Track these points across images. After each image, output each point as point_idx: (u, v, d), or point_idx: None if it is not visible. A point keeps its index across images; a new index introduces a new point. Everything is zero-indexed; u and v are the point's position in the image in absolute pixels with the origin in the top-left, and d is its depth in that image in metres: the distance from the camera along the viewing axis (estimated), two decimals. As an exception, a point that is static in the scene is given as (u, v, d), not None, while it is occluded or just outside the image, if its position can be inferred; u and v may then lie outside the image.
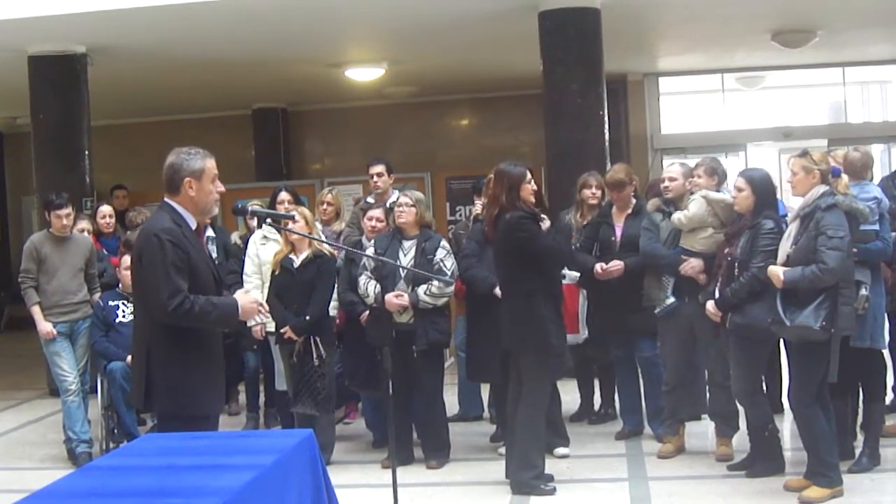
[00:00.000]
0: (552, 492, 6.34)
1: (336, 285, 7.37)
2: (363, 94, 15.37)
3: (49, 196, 8.05)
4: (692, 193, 6.89)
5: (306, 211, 7.47)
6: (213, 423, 4.79)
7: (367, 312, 7.23)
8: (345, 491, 5.13)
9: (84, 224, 8.75)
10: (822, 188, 5.88)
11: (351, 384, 7.56)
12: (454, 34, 11.41)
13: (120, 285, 7.99)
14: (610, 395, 8.16)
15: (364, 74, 13.50)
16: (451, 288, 7.08)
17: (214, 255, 8.38)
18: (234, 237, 8.88)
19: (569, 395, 8.11)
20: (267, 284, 7.45)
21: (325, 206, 8.37)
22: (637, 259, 7.20)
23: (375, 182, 8.38)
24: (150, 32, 10.45)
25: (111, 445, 7.68)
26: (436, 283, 6.87)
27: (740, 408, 6.65)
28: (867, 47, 14.29)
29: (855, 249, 5.97)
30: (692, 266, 6.76)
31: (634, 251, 7.21)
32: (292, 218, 7.02)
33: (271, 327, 7.51)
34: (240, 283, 7.67)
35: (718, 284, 6.38)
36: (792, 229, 5.96)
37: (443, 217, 13.83)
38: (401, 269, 6.95)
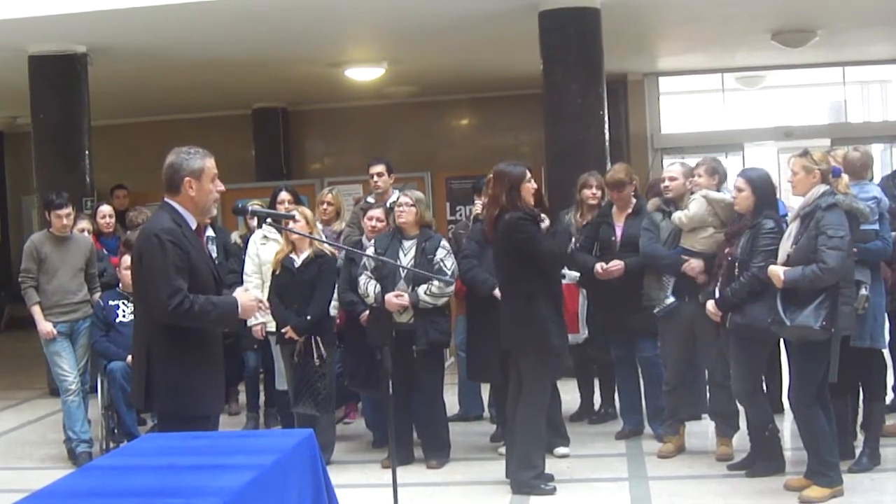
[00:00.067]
0: (552, 491, 6.34)
1: (336, 285, 7.36)
2: (363, 94, 15.37)
3: (49, 196, 8.05)
4: (692, 193, 6.89)
5: (307, 211, 7.47)
6: (214, 423, 4.79)
7: (368, 312, 7.23)
8: (345, 491, 5.13)
9: (84, 224, 8.75)
10: (823, 188, 5.88)
11: (351, 384, 7.56)
12: (454, 34, 11.41)
13: (120, 285, 7.99)
14: (610, 395, 8.16)
15: (364, 74, 13.50)
16: (452, 288, 7.08)
17: (214, 254, 8.38)
18: (235, 237, 8.88)
19: (569, 395, 8.11)
20: (267, 284, 7.46)
21: (325, 206, 8.37)
22: (637, 259, 7.19)
23: (375, 182, 8.38)
24: (150, 32, 10.45)
25: (111, 445, 7.68)
26: (436, 282, 6.87)
27: (740, 407, 6.65)
28: (867, 47, 14.29)
29: (855, 249, 5.96)
30: (692, 266, 6.76)
31: (635, 251, 7.21)
32: (292, 217, 7.02)
33: (272, 327, 7.51)
34: (240, 283, 7.64)
35: (719, 284, 6.38)
36: (792, 229, 5.96)
37: (443, 217, 13.84)
38: (401, 269, 6.95)
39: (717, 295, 6.36)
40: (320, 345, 7.05)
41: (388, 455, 6.45)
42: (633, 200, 7.52)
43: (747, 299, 6.16)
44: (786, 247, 5.93)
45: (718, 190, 6.82)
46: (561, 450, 7.16)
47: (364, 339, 7.23)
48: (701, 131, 16.38)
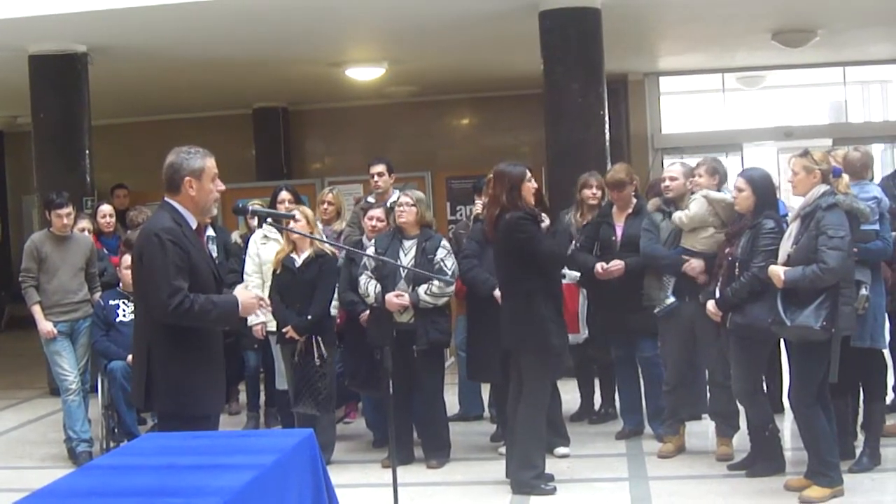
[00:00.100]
0: (552, 491, 6.34)
1: (336, 285, 7.36)
2: (364, 94, 15.37)
3: (50, 195, 8.05)
4: (693, 193, 6.89)
5: (308, 210, 7.47)
6: (214, 423, 4.80)
7: (368, 312, 7.23)
8: (345, 490, 5.13)
9: (84, 223, 8.75)
10: (823, 188, 5.88)
11: (351, 384, 7.56)
12: (455, 34, 11.41)
13: (120, 284, 7.99)
14: (610, 395, 8.16)
15: (364, 74, 13.50)
16: (452, 288, 7.08)
17: (215, 254, 8.38)
18: (235, 236, 8.88)
19: (569, 395, 8.11)
20: (268, 284, 7.46)
21: (325, 206, 8.36)
22: (637, 259, 7.19)
23: (376, 181, 8.38)
24: (150, 32, 10.45)
25: (111, 445, 7.68)
26: (436, 282, 6.87)
27: (741, 407, 6.65)
28: (868, 47, 14.29)
29: (855, 249, 5.96)
30: (693, 266, 6.76)
31: (635, 251, 7.21)
32: (293, 217, 7.02)
33: (272, 327, 7.51)
34: (240, 283, 7.65)
35: (719, 284, 6.38)
36: (792, 229, 5.96)
37: (443, 217, 13.84)
38: (401, 269, 6.95)
39: (717, 295, 6.36)
40: (321, 344, 7.05)
41: (389, 455, 6.45)
42: (634, 200, 7.51)
43: (748, 299, 6.16)
44: (786, 247, 5.93)
45: (719, 190, 6.82)
46: (561, 450, 7.16)
47: (364, 339, 7.23)
48: (701, 131, 16.38)
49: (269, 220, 6.25)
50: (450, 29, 11.14)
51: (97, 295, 8.04)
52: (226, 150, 10.69)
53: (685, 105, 17.42)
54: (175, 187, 4.67)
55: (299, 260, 7.20)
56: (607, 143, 10.26)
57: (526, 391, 6.34)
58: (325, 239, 7.53)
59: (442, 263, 7.02)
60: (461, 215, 13.73)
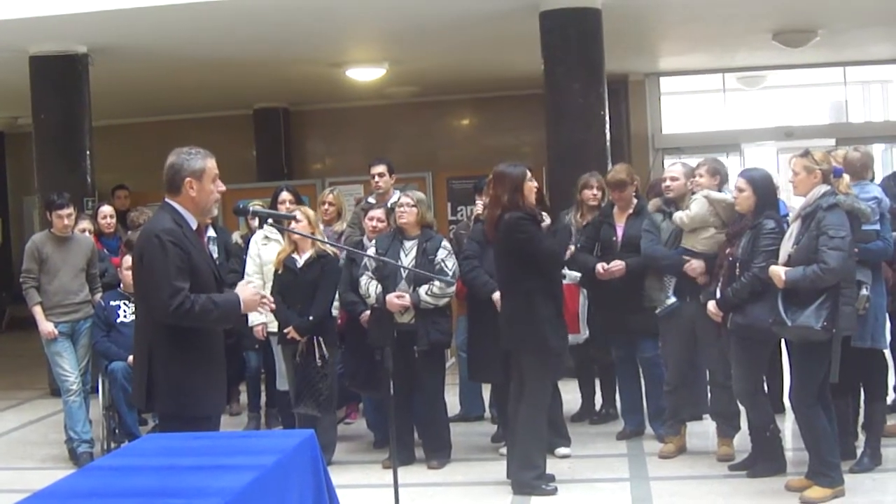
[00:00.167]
0: (553, 492, 6.34)
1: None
2: (364, 94, 15.37)
3: (50, 196, 8.05)
4: (693, 193, 6.89)
5: (309, 211, 7.46)
6: (215, 424, 4.80)
7: (369, 313, 7.23)
8: (346, 491, 5.13)
9: (85, 224, 8.75)
10: (824, 188, 5.88)
11: (351, 385, 7.56)
12: (455, 34, 11.42)
13: (121, 285, 7.99)
14: (611, 395, 8.16)
15: (365, 74, 13.50)
16: (453, 288, 7.08)
17: (215, 255, 8.38)
18: (236, 237, 8.88)
19: (570, 395, 8.11)
20: (269, 284, 7.45)
21: (326, 206, 8.36)
22: (638, 259, 7.19)
23: (377, 182, 8.38)
24: (151, 32, 10.46)
25: (112, 445, 7.68)
26: (437, 283, 6.87)
27: (742, 408, 6.65)
28: (868, 47, 14.29)
29: (855, 249, 5.96)
30: (693, 267, 6.76)
31: (636, 251, 7.21)
32: (294, 218, 7.02)
33: (273, 327, 7.51)
34: (241, 283, 7.66)
35: (720, 285, 6.38)
36: (793, 229, 5.96)
37: (444, 217, 13.82)
38: (402, 270, 6.95)
39: (718, 295, 6.36)
40: (322, 345, 7.05)
41: (390, 455, 6.46)
42: (635, 201, 7.52)
43: (748, 300, 6.16)
44: (787, 247, 5.93)
45: (720, 190, 6.81)
46: (562, 450, 7.16)
47: (365, 340, 7.23)
48: (702, 131, 16.38)
49: (269, 220, 6.25)
50: (450, 29, 11.14)
51: (98, 296, 8.04)
52: (226, 151, 10.66)
53: (686, 105, 17.42)
54: (175, 188, 4.67)
55: (301, 260, 7.20)
56: (608, 144, 10.26)
57: (527, 391, 6.34)
58: (325, 240, 7.52)
59: (443, 264, 7.02)
60: (462, 216, 13.71)
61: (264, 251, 7.80)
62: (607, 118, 10.27)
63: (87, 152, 11.05)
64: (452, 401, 8.07)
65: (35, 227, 11.39)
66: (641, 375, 7.60)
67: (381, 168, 8.38)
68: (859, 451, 6.46)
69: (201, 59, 12.04)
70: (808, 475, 5.96)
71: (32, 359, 11.32)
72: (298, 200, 8.14)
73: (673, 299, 6.95)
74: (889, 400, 7.31)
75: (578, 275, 7.55)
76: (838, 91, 16.57)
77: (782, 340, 6.77)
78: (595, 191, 7.86)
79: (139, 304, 4.81)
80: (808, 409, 5.88)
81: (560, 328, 6.42)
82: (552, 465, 6.63)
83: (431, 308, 6.99)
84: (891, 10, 11.21)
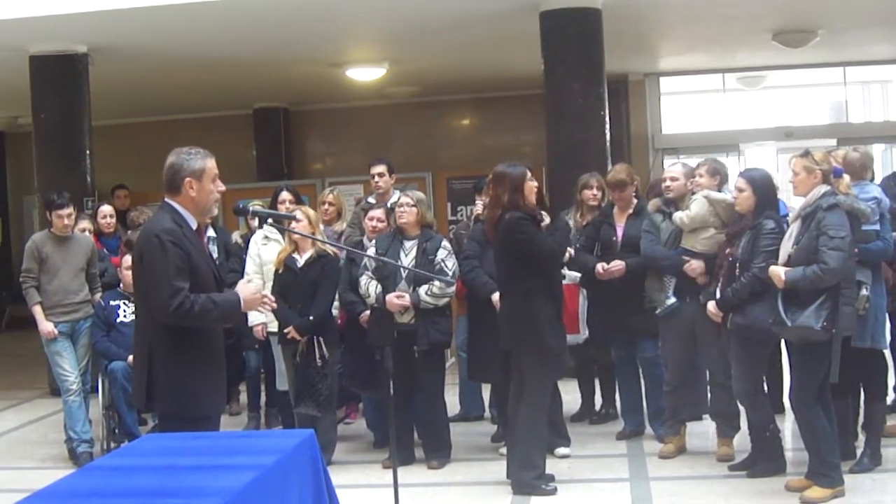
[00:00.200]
0: (553, 492, 6.34)
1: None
2: (364, 94, 15.38)
3: (50, 196, 8.05)
4: (693, 193, 6.88)
5: (310, 210, 7.46)
6: (215, 424, 4.79)
7: (368, 312, 7.23)
8: (346, 491, 5.13)
9: (85, 224, 8.76)
10: (824, 188, 5.88)
11: (350, 384, 7.56)
12: (455, 34, 11.42)
13: (121, 285, 7.98)
14: (611, 396, 8.16)
15: (365, 74, 13.51)
16: (453, 288, 7.08)
17: (215, 255, 8.38)
18: (236, 237, 8.88)
19: (570, 395, 8.11)
20: (269, 284, 7.45)
21: (326, 206, 8.37)
22: (638, 259, 7.19)
23: (377, 182, 8.38)
24: (151, 32, 10.46)
25: (112, 445, 7.68)
26: (437, 283, 6.87)
27: (741, 408, 6.65)
28: (868, 47, 14.29)
29: (855, 249, 5.96)
30: (693, 267, 6.76)
31: (636, 251, 7.21)
32: (294, 218, 7.02)
33: (273, 327, 7.51)
34: (241, 284, 7.65)
35: (719, 285, 6.38)
36: (793, 229, 5.96)
37: (444, 217, 13.83)
38: (402, 270, 6.94)
39: (718, 295, 6.36)
40: (322, 345, 7.05)
41: (389, 455, 6.46)
42: (635, 201, 7.52)
43: (748, 300, 6.16)
44: (787, 247, 5.93)
45: (719, 190, 6.81)
46: (562, 450, 7.16)
47: (364, 340, 7.23)
48: (702, 131, 16.38)
49: (269, 220, 6.24)
50: (450, 29, 11.14)
51: (98, 295, 8.04)
52: (226, 151, 10.65)
53: (686, 105, 17.42)
54: (175, 188, 4.66)
55: (301, 260, 7.20)
56: (608, 144, 10.26)
57: (526, 391, 6.34)
58: (326, 240, 7.52)
59: (442, 264, 7.02)
60: (462, 216, 13.72)
61: (264, 251, 7.80)
62: (607, 118, 10.27)
63: (87, 152, 11.05)
64: (452, 401, 8.07)
65: (35, 227, 11.38)
66: (641, 375, 7.60)
67: (380, 168, 8.38)
68: (859, 452, 6.46)
69: (201, 59, 12.04)
70: (807, 475, 5.96)
71: (32, 358, 11.32)
72: (298, 200, 8.14)
73: (673, 299, 6.95)
74: (889, 400, 7.31)
75: (578, 275, 7.54)
76: (838, 91, 16.58)
77: (782, 340, 6.76)
78: (595, 191, 7.86)
79: (139, 303, 4.81)
80: (808, 410, 5.88)
81: (557, 328, 6.41)
82: (552, 465, 6.63)
83: (431, 308, 6.99)
84: (891, 11, 11.21)
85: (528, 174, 6.43)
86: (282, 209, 7.82)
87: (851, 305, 5.84)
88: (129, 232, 9.14)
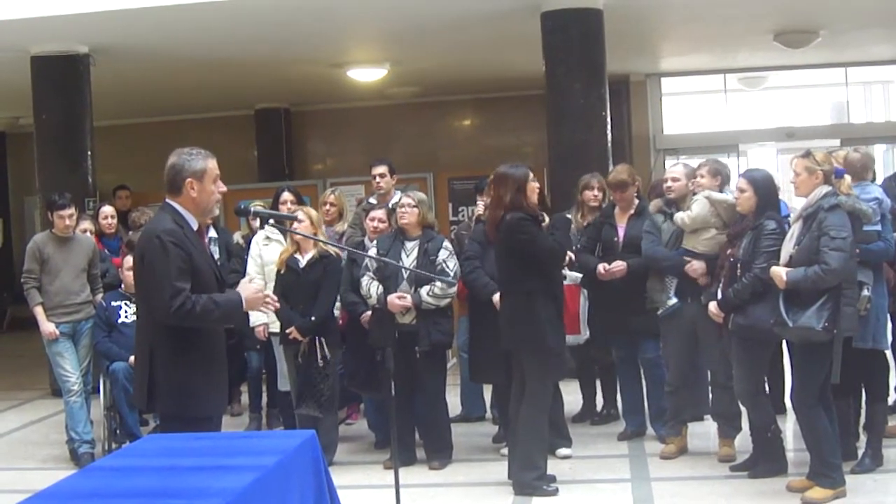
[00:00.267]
0: (554, 492, 6.34)
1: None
2: (365, 95, 15.38)
3: (52, 196, 8.05)
4: (695, 194, 6.88)
5: (312, 211, 7.45)
6: (216, 424, 4.79)
7: (370, 313, 7.23)
8: (347, 492, 5.14)
9: (86, 224, 8.75)
10: (825, 189, 5.88)
11: (350, 385, 7.55)
12: (456, 35, 11.42)
13: (122, 286, 7.99)
14: (612, 396, 8.16)
15: (366, 75, 13.51)
16: (454, 289, 7.08)
17: (217, 255, 8.38)
18: (237, 237, 8.89)
19: (571, 396, 8.10)
20: (270, 284, 7.45)
21: (327, 207, 8.36)
22: (640, 260, 7.19)
23: (378, 183, 8.38)
24: (152, 33, 10.46)
25: (113, 446, 7.69)
26: (438, 283, 6.87)
27: (743, 409, 6.64)
28: (870, 47, 14.29)
29: (857, 250, 5.96)
30: (694, 268, 6.76)
31: (637, 252, 7.20)
32: (295, 218, 7.02)
33: (275, 328, 7.51)
34: (242, 284, 7.65)
35: (721, 285, 6.38)
36: (794, 230, 5.96)
37: (445, 218, 13.82)
38: (403, 270, 6.94)
39: (719, 296, 6.36)
40: (324, 346, 7.04)
41: (391, 456, 6.45)
42: (636, 201, 7.52)
43: (749, 300, 6.15)
44: (788, 248, 5.93)
45: (721, 191, 6.81)
46: (563, 451, 7.16)
47: (365, 340, 7.23)
48: (703, 132, 16.38)
49: (270, 221, 6.23)
50: (451, 30, 11.14)
51: (99, 296, 8.04)
52: (228, 151, 10.70)
53: (687, 106, 17.43)
54: (176, 189, 4.67)
55: (303, 260, 7.20)
56: (609, 144, 10.26)
57: (527, 392, 6.34)
58: (327, 240, 7.52)
59: (444, 264, 7.02)
60: (463, 216, 13.71)
61: (265, 252, 7.80)
62: (608, 119, 10.27)
63: (89, 152, 11.05)
64: (454, 401, 8.07)
65: (36, 228, 11.40)
66: (643, 376, 7.60)
67: (382, 168, 8.38)
68: (860, 452, 6.45)
69: (202, 60, 12.04)
70: (809, 476, 5.96)
71: (33, 359, 11.33)
72: (300, 201, 8.14)
73: (674, 300, 6.95)
74: (890, 401, 7.30)
75: (579, 276, 7.55)
76: (839, 92, 16.58)
77: (784, 341, 6.76)
78: (596, 192, 7.86)
79: (140, 304, 4.82)
80: (810, 410, 5.87)
81: (557, 329, 6.41)
82: (553, 466, 6.63)
83: (433, 309, 6.99)
84: (892, 11, 11.20)
85: (531, 175, 6.43)
86: (283, 210, 7.82)
87: (853, 306, 5.84)
88: (131, 233, 9.13)
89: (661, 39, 13.59)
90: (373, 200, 8.41)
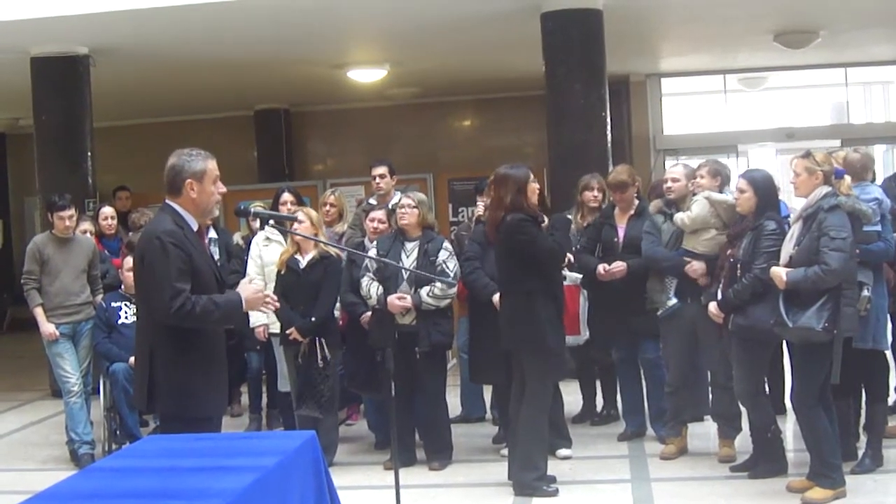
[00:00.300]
0: (555, 493, 6.33)
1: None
2: (366, 95, 15.38)
3: (52, 197, 8.05)
4: (695, 194, 6.88)
5: (312, 212, 7.45)
6: (216, 425, 4.80)
7: (370, 314, 7.23)
8: (347, 492, 5.13)
9: (86, 225, 8.75)
10: (825, 189, 5.88)
11: (350, 385, 7.55)
12: (456, 35, 11.42)
13: (122, 287, 7.98)
14: (612, 397, 8.16)
15: (366, 75, 13.51)
16: (454, 289, 7.08)
17: (217, 256, 8.38)
18: (237, 238, 8.89)
19: (571, 397, 8.10)
20: (270, 285, 7.45)
21: (327, 208, 8.37)
22: (640, 260, 7.19)
23: (378, 183, 8.37)
24: (152, 34, 10.46)
25: (113, 447, 7.70)
26: (438, 284, 6.87)
27: (743, 409, 6.64)
28: (869, 48, 14.29)
29: (857, 250, 5.96)
30: (694, 269, 6.76)
31: (637, 252, 7.20)
32: (295, 219, 7.01)
33: (275, 328, 7.51)
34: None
35: (721, 286, 6.38)
36: (794, 230, 5.96)
37: (445, 218, 13.82)
38: (403, 271, 6.94)
39: (719, 296, 6.36)
40: (324, 346, 7.04)
41: (391, 457, 6.45)
42: (636, 202, 7.52)
43: (749, 301, 6.15)
44: (788, 248, 5.93)
45: (721, 192, 6.81)
46: (563, 451, 7.16)
47: (365, 341, 7.23)
48: (703, 133, 16.38)
49: (270, 221, 6.23)
50: (452, 30, 11.15)
51: (99, 297, 8.04)
52: (228, 152, 10.71)
53: (687, 106, 17.42)
54: (176, 189, 4.67)
55: (303, 261, 7.20)
56: (609, 145, 10.26)
57: (527, 393, 6.34)
58: (327, 241, 7.52)
59: (444, 265, 7.02)
60: (463, 217, 13.71)
61: (266, 252, 7.80)
62: (608, 119, 10.27)
63: (89, 153, 11.05)
64: (454, 402, 8.07)
65: (36, 229, 11.40)
66: (643, 377, 7.59)
67: (382, 169, 8.38)
68: (861, 453, 6.45)
69: (202, 61, 12.04)
70: (809, 476, 5.96)
71: (33, 360, 11.32)
72: (300, 202, 8.14)
73: (674, 301, 6.95)
74: (890, 401, 7.30)
75: (579, 276, 7.55)
76: (839, 92, 16.58)
77: (784, 341, 6.76)
78: (596, 192, 7.86)
79: (140, 305, 4.82)
80: (810, 410, 5.88)
81: (557, 329, 6.40)
82: (553, 467, 6.63)
83: (433, 309, 6.99)
84: (892, 11, 11.21)
85: (531, 176, 6.43)
86: (283, 210, 7.81)
87: (853, 306, 5.84)
88: (131, 233, 9.14)
89: (660, 40, 13.59)
90: (373, 201, 8.41)
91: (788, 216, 6.51)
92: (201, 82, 13.60)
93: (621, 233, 7.48)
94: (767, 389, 6.85)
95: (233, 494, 3.17)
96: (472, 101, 16.62)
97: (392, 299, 6.96)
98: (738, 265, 6.27)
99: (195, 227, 4.72)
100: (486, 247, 7.07)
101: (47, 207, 8.14)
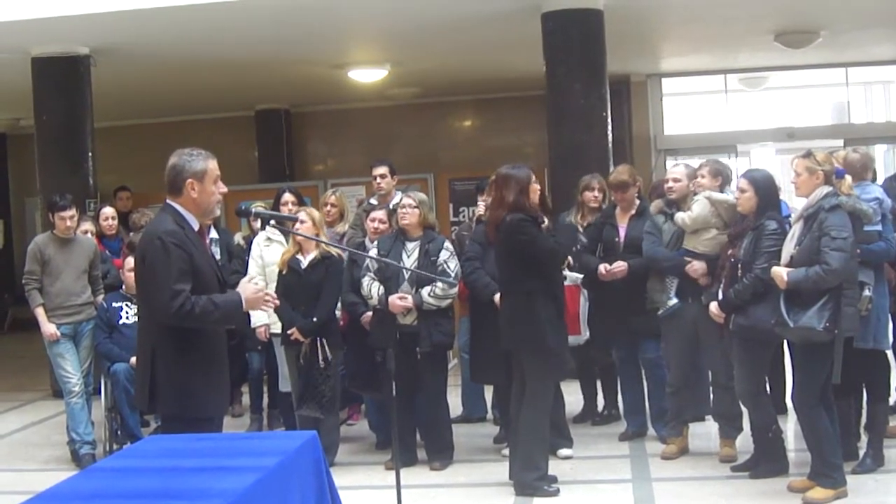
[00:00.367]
0: (555, 493, 6.34)
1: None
2: (366, 96, 15.38)
3: (53, 198, 8.05)
4: (696, 194, 6.88)
5: (314, 212, 7.44)
6: (217, 425, 4.80)
7: (370, 314, 7.23)
8: (348, 492, 5.14)
9: (87, 225, 8.75)
10: (826, 189, 5.88)
11: (351, 385, 7.55)
12: (457, 35, 11.42)
13: (123, 287, 7.99)
14: (613, 397, 8.16)
15: (367, 76, 13.51)
16: (455, 289, 7.09)
17: (218, 256, 8.37)
18: (238, 238, 8.89)
19: (572, 397, 8.10)
20: (272, 285, 7.45)
21: (328, 208, 8.36)
22: (641, 260, 7.19)
23: (379, 183, 8.37)
24: (152, 34, 10.46)
25: (115, 447, 7.69)
26: (440, 284, 6.87)
27: (744, 409, 6.64)
28: (870, 48, 14.28)
29: (857, 250, 5.96)
30: (695, 268, 6.76)
31: (638, 252, 7.21)
32: (296, 219, 7.01)
33: (276, 329, 7.51)
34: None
35: (722, 286, 6.38)
36: (795, 230, 5.96)
37: (446, 218, 13.82)
38: (404, 271, 6.94)
39: (720, 296, 6.36)
40: (326, 347, 7.04)
41: (392, 457, 6.45)
42: (637, 202, 7.52)
43: (750, 301, 6.15)
44: (789, 248, 5.93)
45: (722, 191, 6.81)
46: (564, 451, 7.16)
47: (366, 341, 7.23)
48: (704, 132, 16.37)
49: (271, 222, 6.22)
50: (452, 31, 11.14)
51: (100, 297, 8.05)
52: (228, 152, 10.70)
53: (688, 106, 17.42)
54: (177, 189, 4.67)
55: (305, 261, 7.19)
56: (610, 145, 10.25)
57: (528, 392, 6.34)
58: (328, 241, 7.51)
59: (445, 265, 7.02)
60: (464, 217, 13.71)
61: (266, 252, 7.80)
62: (609, 119, 10.26)
63: (89, 154, 11.05)
64: (455, 402, 8.07)
65: (37, 229, 11.40)
66: (643, 376, 7.60)
67: (382, 169, 8.38)
68: (862, 453, 6.45)
69: (203, 61, 12.04)
70: (810, 476, 5.96)
71: (34, 360, 11.33)
72: (300, 202, 8.14)
73: (675, 300, 6.95)
74: (892, 401, 7.30)
75: (580, 276, 7.55)
76: (840, 92, 16.57)
77: (785, 341, 6.76)
78: (596, 192, 7.86)
79: (141, 305, 4.82)
80: (811, 410, 5.88)
81: (558, 329, 6.41)
82: (554, 467, 6.63)
83: (434, 309, 6.99)
84: (892, 11, 11.20)
85: (533, 176, 6.44)
86: (284, 210, 7.82)
87: (854, 306, 5.85)
88: (132, 234, 9.14)
89: (661, 40, 13.59)
90: (373, 201, 8.41)
91: (789, 216, 6.51)
92: (202, 82, 13.60)
93: (622, 233, 7.48)
94: (768, 389, 6.85)
95: (234, 495, 3.17)
96: (473, 101, 16.61)
97: (393, 299, 6.96)
98: (739, 265, 6.27)
99: (196, 227, 4.72)
100: (486, 247, 7.07)
101: (48, 208, 8.14)
